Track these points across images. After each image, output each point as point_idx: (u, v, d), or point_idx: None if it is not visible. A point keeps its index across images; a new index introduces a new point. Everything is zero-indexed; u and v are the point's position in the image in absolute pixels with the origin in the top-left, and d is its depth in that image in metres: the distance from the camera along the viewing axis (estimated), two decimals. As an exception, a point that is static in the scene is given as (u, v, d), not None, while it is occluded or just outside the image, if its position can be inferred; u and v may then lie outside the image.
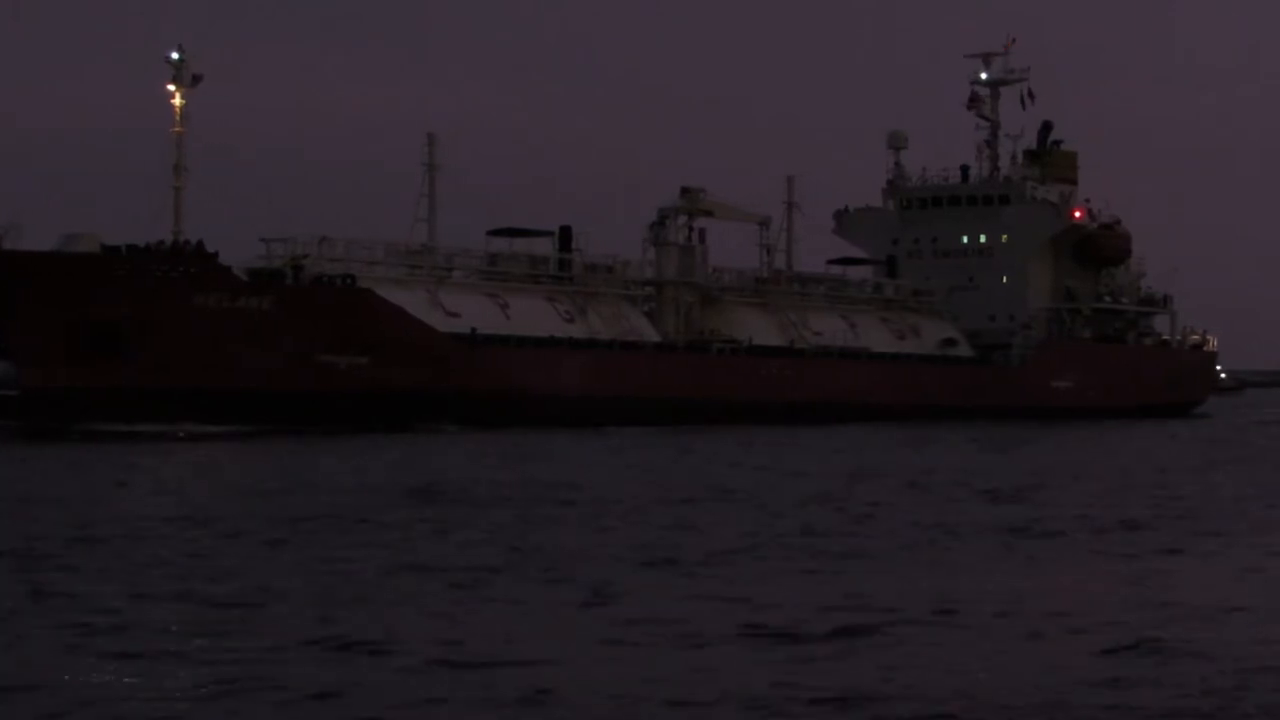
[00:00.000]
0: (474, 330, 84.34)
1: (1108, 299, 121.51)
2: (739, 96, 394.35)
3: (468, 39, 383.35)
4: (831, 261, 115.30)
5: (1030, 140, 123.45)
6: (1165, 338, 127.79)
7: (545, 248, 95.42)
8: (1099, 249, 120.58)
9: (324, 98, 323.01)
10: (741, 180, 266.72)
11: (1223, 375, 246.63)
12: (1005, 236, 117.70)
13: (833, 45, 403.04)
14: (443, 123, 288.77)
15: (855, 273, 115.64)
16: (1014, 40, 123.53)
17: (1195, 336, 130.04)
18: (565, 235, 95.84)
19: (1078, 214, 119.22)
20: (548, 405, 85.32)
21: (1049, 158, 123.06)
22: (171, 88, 78.29)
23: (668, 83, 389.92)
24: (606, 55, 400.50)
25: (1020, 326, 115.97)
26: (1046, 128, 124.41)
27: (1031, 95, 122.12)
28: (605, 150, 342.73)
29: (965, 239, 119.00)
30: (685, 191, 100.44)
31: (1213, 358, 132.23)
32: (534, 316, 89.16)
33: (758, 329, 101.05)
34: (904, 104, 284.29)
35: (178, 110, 78.47)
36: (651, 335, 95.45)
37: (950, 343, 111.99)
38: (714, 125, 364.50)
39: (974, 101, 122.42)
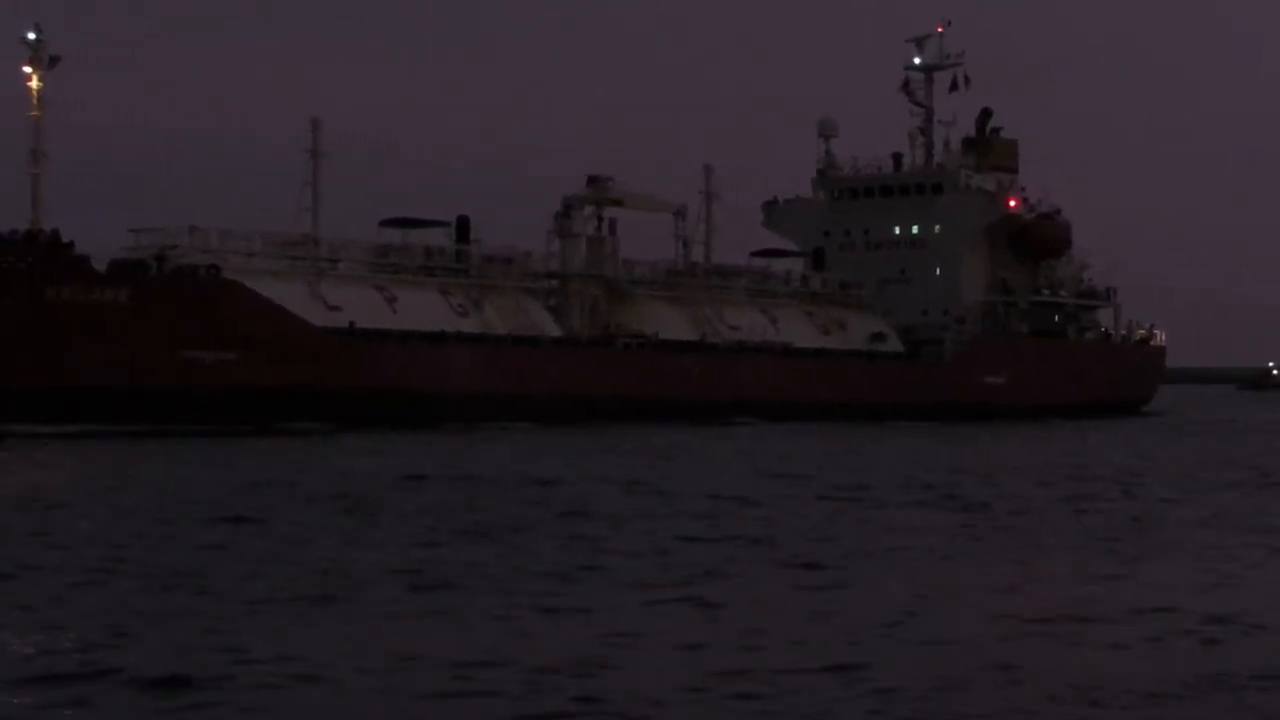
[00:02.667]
0: (352, 324, 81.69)
1: (1045, 292, 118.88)
2: (661, 82, 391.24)
3: (378, 22, 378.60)
4: (755, 254, 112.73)
5: (967, 127, 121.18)
6: (1109, 332, 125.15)
7: (441, 239, 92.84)
8: (1036, 240, 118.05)
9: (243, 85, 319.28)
10: (662, 169, 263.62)
11: (1275, 370, 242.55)
12: (938, 227, 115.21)
13: (763, 28, 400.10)
14: (340, 108, 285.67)
15: (780, 265, 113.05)
16: (948, 23, 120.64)
17: (1141, 331, 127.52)
18: (463, 226, 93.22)
19: (1012, 203, 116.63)
20: (436, 403, 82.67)
21: (988, 145, 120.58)
22: (28, 69, 75.63)
23: (583, 65, 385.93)
24: (514, 34, 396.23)
25: (953, 321, 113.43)
26: (985, 114, 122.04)
27: (966, 80, 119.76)
28: (510, 137, 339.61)
29: (897, 230, 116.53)
30: (592, 180, 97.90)
31: (1160, 353, 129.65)
32: (423, 310, 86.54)
33: (669, 323, 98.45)
34: (837, 90, 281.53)
35: (35, 94, 75.78)
36: (552, 330, 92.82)
37: (879, 338, 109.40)
38: (634, 112, 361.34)
39: (907, 87, 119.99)
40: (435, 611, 20.98)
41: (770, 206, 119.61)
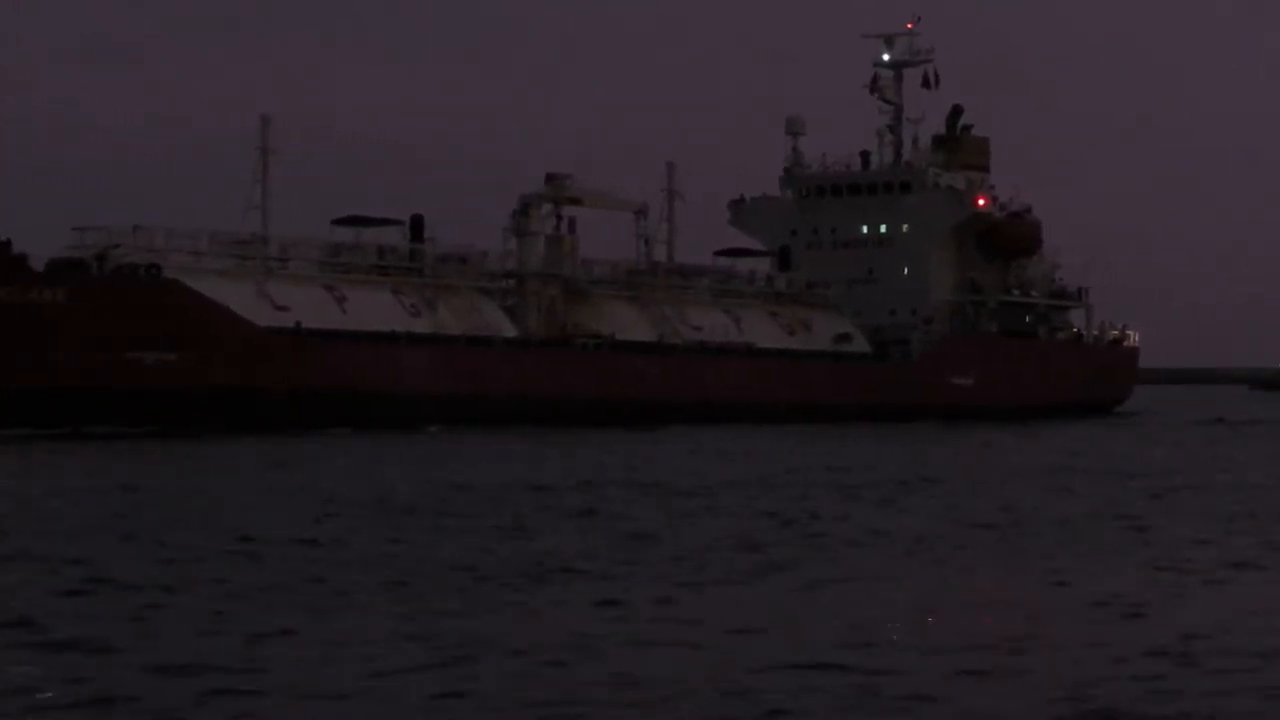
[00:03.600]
0: (299, 324, 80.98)
1: (1015, 292, 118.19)
2: (627, 78, 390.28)
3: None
4: (720, 253, 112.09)
5: (937, 125, 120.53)
6: (1080, 332, 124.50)
7: (395, 238, 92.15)
8: (1006, 239, 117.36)
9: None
10: (627, 168, 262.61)
11: None
12: (906, 226, 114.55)
13: (729, 25, 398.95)
14: (298, 106, 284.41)
15: (745, 265, 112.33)
16: (918, 19, 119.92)
17: (1115, 332, 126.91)
18: (417, 225, 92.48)
19: (981, 202, 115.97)
20: (385, 405, 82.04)
21: (958, 143, 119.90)
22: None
23: (546, 61, 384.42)
24: (477, 30, 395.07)
25: (921, 321, 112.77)
26: (956, 112, 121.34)
27: (937, 77, 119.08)
28: (469, 134, 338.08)
29: (865, 229, 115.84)
30: (551, 178, 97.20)
31: (1134, 354, 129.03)
32: (374, 310, 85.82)
33: (628, 324, 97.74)
34: (805, 87, 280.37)
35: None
36: (508, 330, 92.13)
37: (844, 338, 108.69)
38: (598, 110, 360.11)
39: (876, 84, 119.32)
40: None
41: (737, 205, 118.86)
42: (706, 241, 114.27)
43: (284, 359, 78.84)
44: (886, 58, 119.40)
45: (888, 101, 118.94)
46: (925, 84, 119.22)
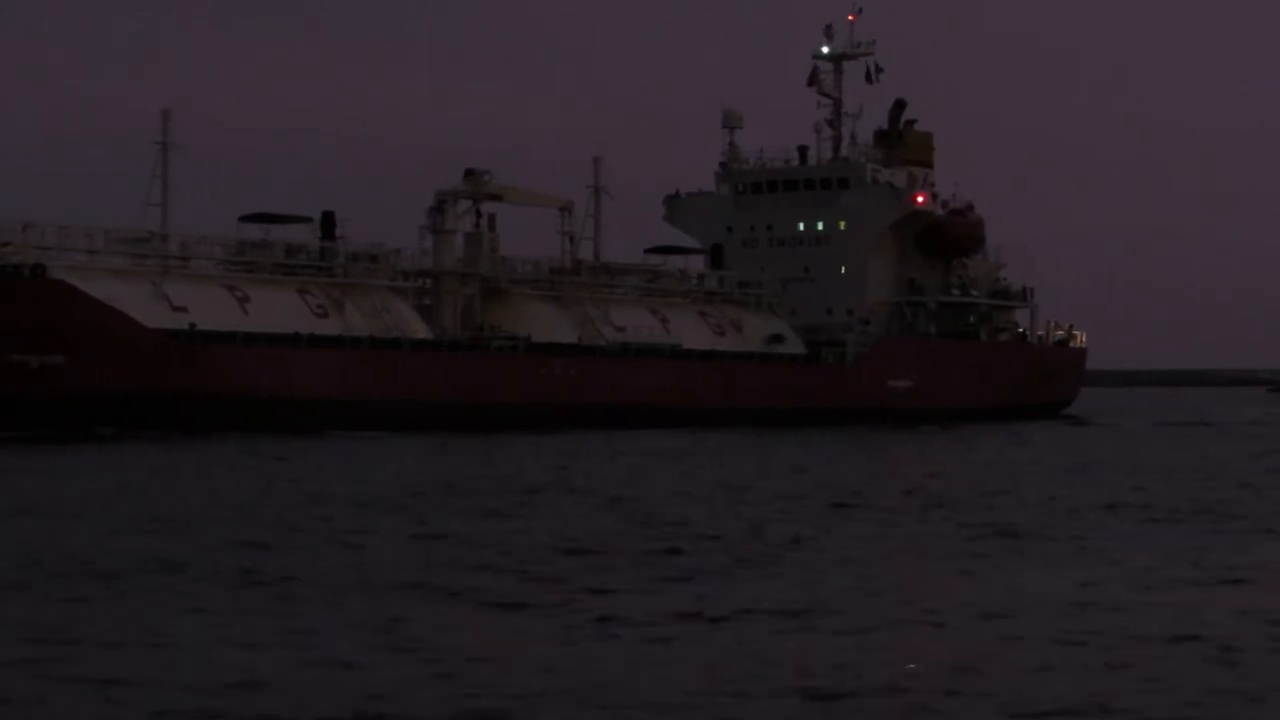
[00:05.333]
0: (192, 326, 79.28)
1: (956, 292, 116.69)
2: (557, 71, 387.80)
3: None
4: (650, 250, 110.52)
5: (880, 120, 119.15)
6: (1024, 333, 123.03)
7: (305, 235, 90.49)
8: (947, 237, 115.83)
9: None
10: (560, 164, 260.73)
11: None
12: (843, 223, 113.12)
13: (666, 15, 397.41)
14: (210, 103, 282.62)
15: (676, 263, 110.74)
16: (859, 11, 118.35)
17: (1060, 332, 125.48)
18: (328, 222, 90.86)
19: (920, 199, 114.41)
20: (286, 409, 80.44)
21: (901, 139, 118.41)
22: None
23: (472, 56, 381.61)
24: (389, 19, 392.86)
25: (858, 321, 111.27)
26: (899, 106, 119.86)
27: (879, 70, 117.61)
28: (385, 128, 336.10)
29: (802, 226, 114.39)
30: (469, 173, 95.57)
31: (1081, 354, 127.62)
32: (277, 311, 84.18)
33: (548, 324, 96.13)
34: (745, 79, 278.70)
35: None
36: (420, 331, 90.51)
37: (777, 339, 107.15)
38: (529, 106, 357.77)
39: (816, 77, 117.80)
40: None
41: (672, 200, 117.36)
42: (642, 239, 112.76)
43: (175, 362, 77.17)
44: (826, 50, 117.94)
45: (827, 95, 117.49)
46: (867, 78, 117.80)
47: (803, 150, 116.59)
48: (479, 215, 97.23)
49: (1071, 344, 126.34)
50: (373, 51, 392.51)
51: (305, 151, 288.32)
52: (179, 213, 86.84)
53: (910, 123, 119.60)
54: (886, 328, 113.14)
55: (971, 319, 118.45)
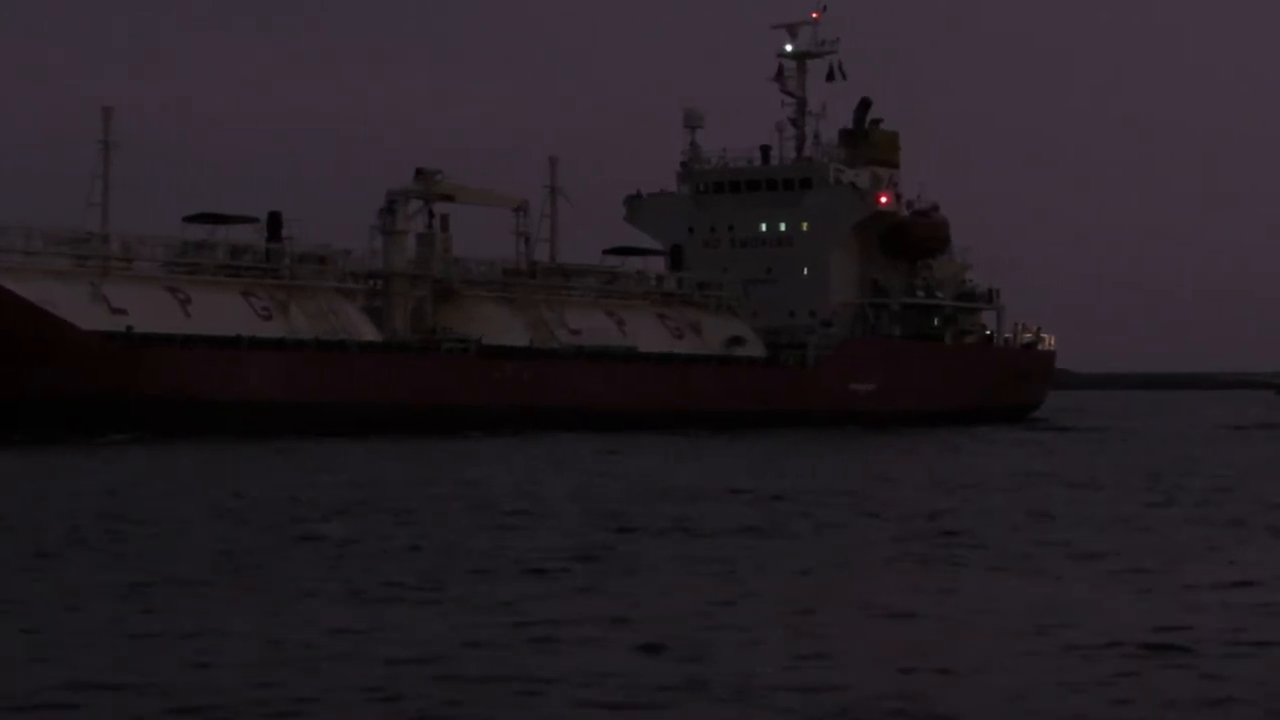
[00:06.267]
0: (129, 329, 78.39)
1: (920, 293, 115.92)
2: (517, 69, 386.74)
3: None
4: (609, 251, 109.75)
5: (845, 119, 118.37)
6: (991, 335, 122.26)
7: (251, 236, 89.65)
8: (912, 238, 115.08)
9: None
10: (520, 164, 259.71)
11: None
12: (806, 224, 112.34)
13: (628, 12, 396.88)
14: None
15: (635, 264, 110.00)
16: (824, 8, 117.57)
17: (1028, 334, 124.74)
18: (274, 222, 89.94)
19: (883, 199, 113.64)
20: (228, 413, 79.60)
21: (866, 138, 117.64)
22: None
23: (427, 52, 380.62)
24: (343, 15, 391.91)
25: (820, 323, 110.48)
26: (864, 105, 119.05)
27: (842, 70, 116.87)
28: (338, 127, 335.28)
29: (764, 227, 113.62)
30: (420, 173, 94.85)
31: (1050, 357, 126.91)
32: (220, 313, 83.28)
33: (501, 326, 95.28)
34: (707, 78, 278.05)
35: None
36: (369, 334, 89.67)
37: (737, 341, 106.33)
38: (486, 104, 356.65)
39: (780, 76, 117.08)
40: None
41: (633, 201, 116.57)
42: (605, 239, 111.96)
43: (111, 365, 76.27)
44: (790, 48, 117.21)
45: (790, 94, 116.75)
46: (830, 76, 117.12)
47: (765, 150, 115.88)
48: (431, 215, 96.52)
49: (1040, 346, 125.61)
50: (373, 51, 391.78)
51: (305, 151, 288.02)
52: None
53: (876, 122, 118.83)
54: (850, 330, 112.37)
55: (936, 321, 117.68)
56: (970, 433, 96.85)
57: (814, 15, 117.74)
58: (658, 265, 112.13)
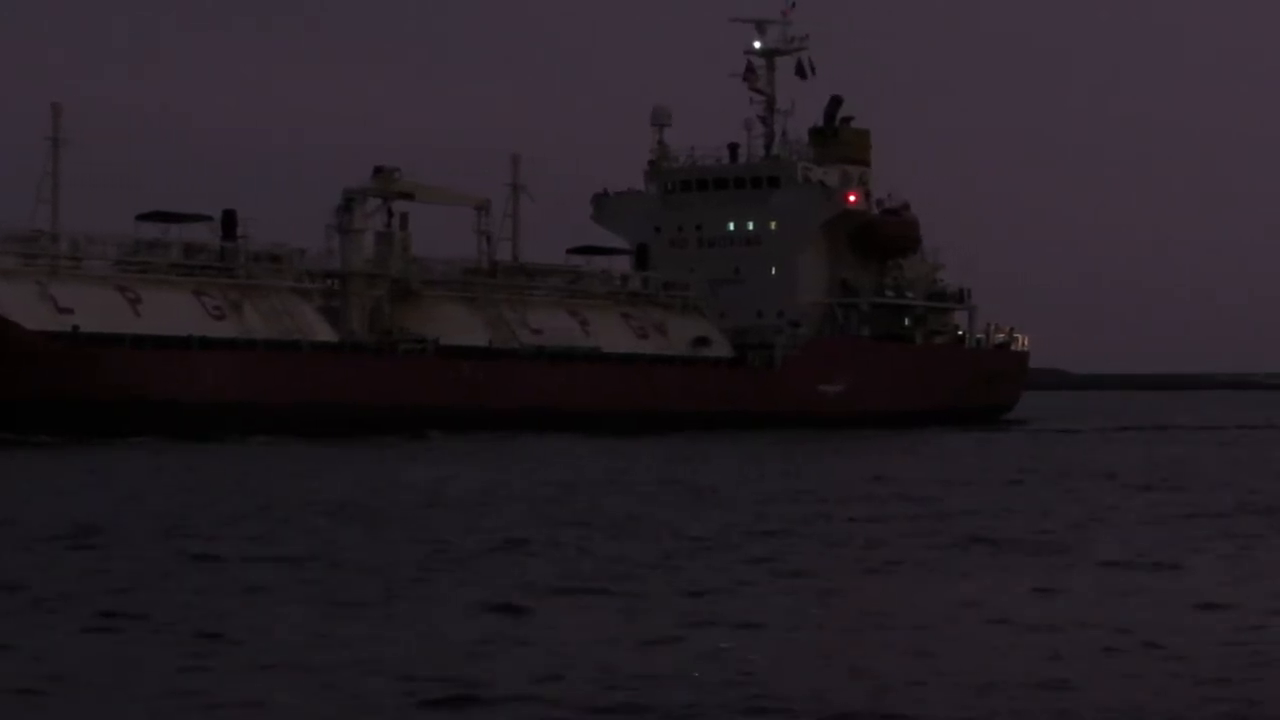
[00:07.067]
0: (76, 328, 77.70)
1: (890, 293, 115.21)
2: (484, 65, 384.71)
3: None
4: (573, 250, 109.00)
5: (815, 117, 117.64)
6: (963, 335, 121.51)
7: (205, 235, 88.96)
8: (881, 237, 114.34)
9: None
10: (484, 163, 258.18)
11: None
12: (774, 223, 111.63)
13: (595, 7, 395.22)
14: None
15: (600, 264, 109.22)
16: (793, 5, 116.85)
17: (1001, 335, 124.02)
18: (229, 221, 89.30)
19: (851, 198, 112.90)
20: (178, 413, 78.88)
21: (836, 136, 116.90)
22: None
23: (391, 48, 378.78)
24: (386, 16, 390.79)
25: (788, 324, 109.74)
26: (835, 103, 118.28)
27: (812, 67, 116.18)
28: (385, 127, 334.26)
29: (731, 226, 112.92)
30: (378, 171, 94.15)
31: (1024, 358, 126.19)
32: (171, 313, 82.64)
33: (460, 326, 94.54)
34: (676, 75, 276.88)
35: None
36: (325, 334, 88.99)
37: (702, 342, 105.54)
38: (452, 101, 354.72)
39: (748, 73, 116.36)
40: None
41: (600, 200, 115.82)
42: (570, 239, 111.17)
43: (55, 365, 75.56)
44: (758, 45, 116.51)
45: (759, 91, 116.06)
46: (799, 73, 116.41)
47: (733, 148, 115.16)
48: (390, 214, 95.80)
49: (1013, 347, 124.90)
50: (373, 51, 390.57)
51: (305, 151, 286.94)
52: (82, 212, 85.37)
53: (847, 120, 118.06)
54: (818, 330, 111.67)
55: (907, 321, 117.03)
56: (926, 435, 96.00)
57: (784, 12, 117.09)
58: (623, 265, 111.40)
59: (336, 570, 29.76)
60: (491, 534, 35.84)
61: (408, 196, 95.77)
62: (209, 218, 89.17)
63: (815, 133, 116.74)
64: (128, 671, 20.27)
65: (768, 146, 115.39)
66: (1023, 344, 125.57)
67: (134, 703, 18.54)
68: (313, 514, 40.11)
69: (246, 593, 26.61)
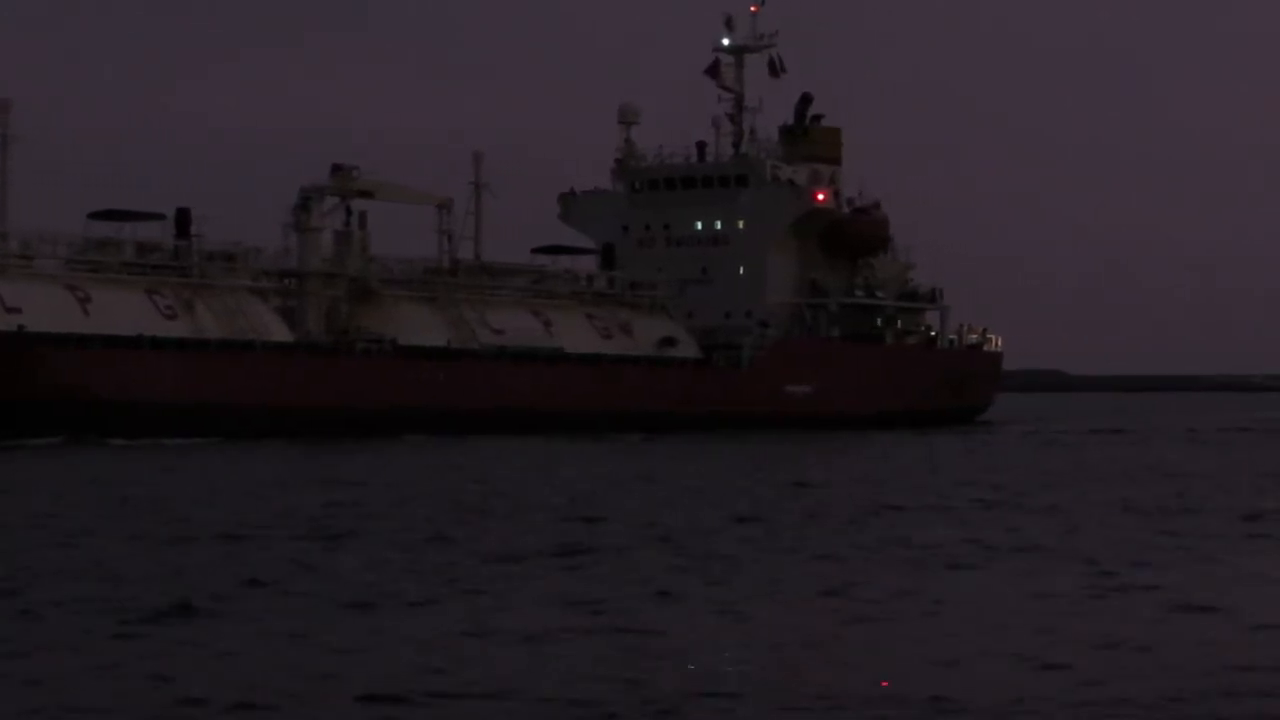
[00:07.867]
0: (21, 328, 76.99)
1: (860, 293, 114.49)
2: (449, 63, 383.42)
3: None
4: (538, 250, 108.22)
5: (785, 115, 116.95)
6: (935, 335, 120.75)
7: (158, 233, 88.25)
8: (849, 236, 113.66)
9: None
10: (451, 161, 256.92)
11: None
12: (742, 222, 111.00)
13: (559, 6, 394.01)
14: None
15: (565, 263, 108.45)
16: (763, 2, 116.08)
17: (974, 335, 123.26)
18: (183, 219, 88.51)
19: (820, 197, 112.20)
20: (128, 414, 78.14)
21: (806, 134, 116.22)
22: None
23: (353, 45, 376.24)
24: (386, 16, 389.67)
25: (756, 324, 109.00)
26: (805, 100, 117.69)
27: (782, 64, 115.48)
28: (385, 128, 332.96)
29: (699, 225, 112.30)
30: (336, 169, 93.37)
31: (997, 358, 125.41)
32: (121, 312, 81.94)
33: (420, 326, 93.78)
34: (643, 73, 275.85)
35: None
36: (280, 334, 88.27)
37: (669, 342, 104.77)
38: (415, 99, 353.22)
39: (716, 70, 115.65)
40: None
41: (567, 199, 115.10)
42: (536, 238, 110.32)
43: (1, 365, 74.84)
44: (727, 42, 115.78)
45: (727, 89, 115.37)
46: (771, 70, 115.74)
47: (701, 146, 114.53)
48: (349, 213, 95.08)
49: (986, 347, 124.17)
50: (373, 51, 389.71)
51: (303, 151, 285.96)
52: (32, 209, 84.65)
53: (817, 118, 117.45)
54: (787, 330, 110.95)
55: (878, 321, 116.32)
56: (872, 438, 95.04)
57: (753, 9, 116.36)
58: (590, 265, 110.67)
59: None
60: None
61: (367, 195, 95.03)
62: (162, 216, 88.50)
63: (785, 131, 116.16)
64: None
65: (736, 145, 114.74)
66: (996, 345, 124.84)
67: None
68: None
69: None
